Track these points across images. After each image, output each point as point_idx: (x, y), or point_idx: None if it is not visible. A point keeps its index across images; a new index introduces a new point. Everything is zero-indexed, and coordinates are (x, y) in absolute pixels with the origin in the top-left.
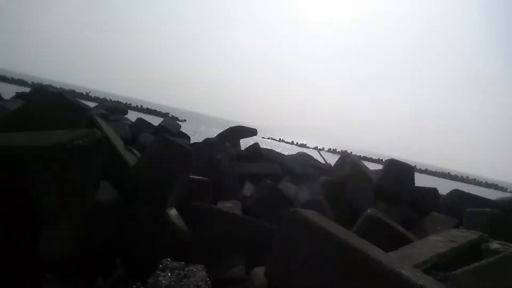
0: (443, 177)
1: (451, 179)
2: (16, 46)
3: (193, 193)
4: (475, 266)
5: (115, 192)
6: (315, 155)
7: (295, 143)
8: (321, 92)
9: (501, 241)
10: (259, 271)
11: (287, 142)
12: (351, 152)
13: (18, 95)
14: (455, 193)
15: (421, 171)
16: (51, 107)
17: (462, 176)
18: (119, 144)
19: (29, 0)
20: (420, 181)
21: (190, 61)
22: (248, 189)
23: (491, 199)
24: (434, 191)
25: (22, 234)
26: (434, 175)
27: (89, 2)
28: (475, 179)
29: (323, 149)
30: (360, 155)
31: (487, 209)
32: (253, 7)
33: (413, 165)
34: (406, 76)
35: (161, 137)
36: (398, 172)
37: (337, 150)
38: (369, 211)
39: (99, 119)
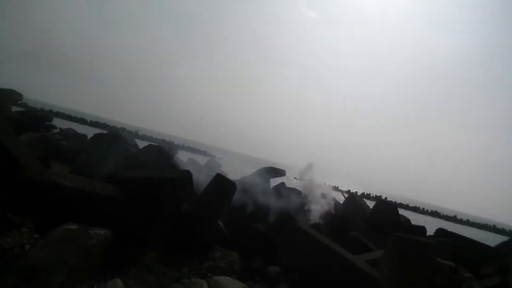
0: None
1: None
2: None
3: (234, 213)
4: None
5: (191, 207)
6: (339, 196)
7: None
8: (358, 135)
9: None
10: (274, 266)
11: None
12: (379, 196)
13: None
14: (440, 231)
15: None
16: (156, 153)
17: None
18: None
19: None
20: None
21: (228, 104)
22: (271, 217)
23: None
24: (422, 228)
25: (146, 223)
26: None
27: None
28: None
29: (356, 193)
30: (396, 201)
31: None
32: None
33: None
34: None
35: (219, 175)
36: (384, 209)
37: (371, 195)
38: (352, 233)
39: (179, 161)
